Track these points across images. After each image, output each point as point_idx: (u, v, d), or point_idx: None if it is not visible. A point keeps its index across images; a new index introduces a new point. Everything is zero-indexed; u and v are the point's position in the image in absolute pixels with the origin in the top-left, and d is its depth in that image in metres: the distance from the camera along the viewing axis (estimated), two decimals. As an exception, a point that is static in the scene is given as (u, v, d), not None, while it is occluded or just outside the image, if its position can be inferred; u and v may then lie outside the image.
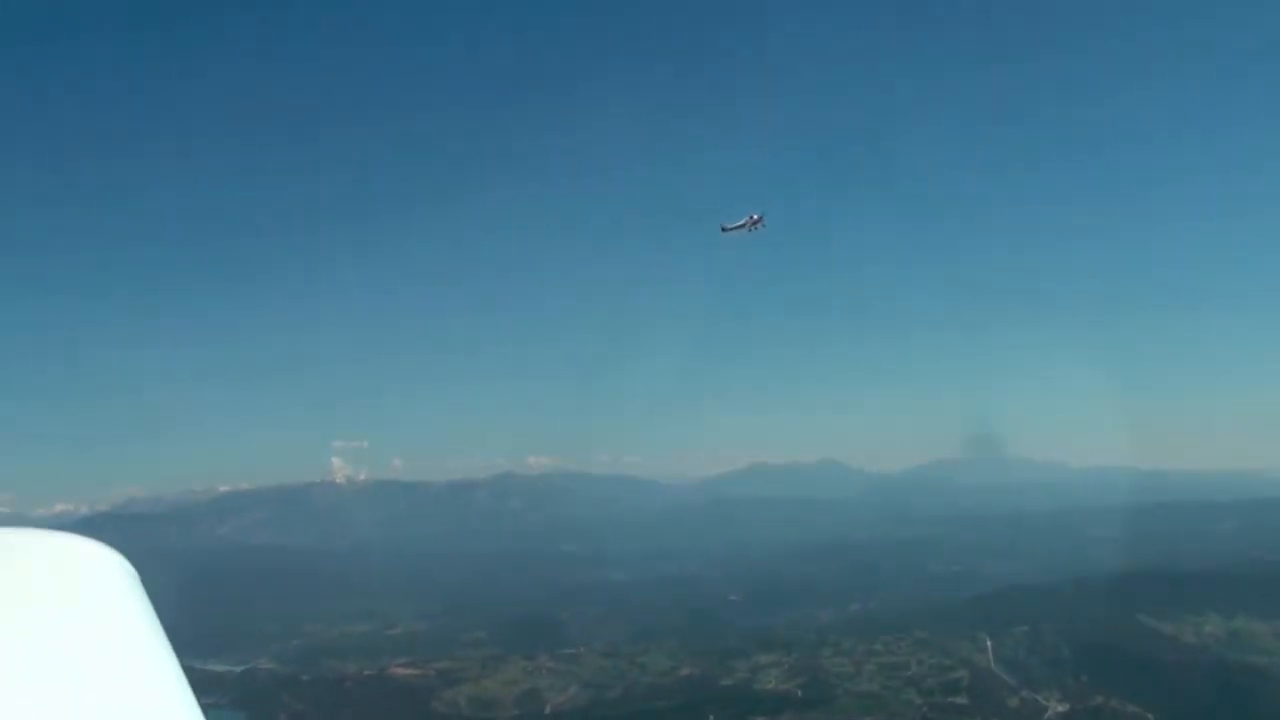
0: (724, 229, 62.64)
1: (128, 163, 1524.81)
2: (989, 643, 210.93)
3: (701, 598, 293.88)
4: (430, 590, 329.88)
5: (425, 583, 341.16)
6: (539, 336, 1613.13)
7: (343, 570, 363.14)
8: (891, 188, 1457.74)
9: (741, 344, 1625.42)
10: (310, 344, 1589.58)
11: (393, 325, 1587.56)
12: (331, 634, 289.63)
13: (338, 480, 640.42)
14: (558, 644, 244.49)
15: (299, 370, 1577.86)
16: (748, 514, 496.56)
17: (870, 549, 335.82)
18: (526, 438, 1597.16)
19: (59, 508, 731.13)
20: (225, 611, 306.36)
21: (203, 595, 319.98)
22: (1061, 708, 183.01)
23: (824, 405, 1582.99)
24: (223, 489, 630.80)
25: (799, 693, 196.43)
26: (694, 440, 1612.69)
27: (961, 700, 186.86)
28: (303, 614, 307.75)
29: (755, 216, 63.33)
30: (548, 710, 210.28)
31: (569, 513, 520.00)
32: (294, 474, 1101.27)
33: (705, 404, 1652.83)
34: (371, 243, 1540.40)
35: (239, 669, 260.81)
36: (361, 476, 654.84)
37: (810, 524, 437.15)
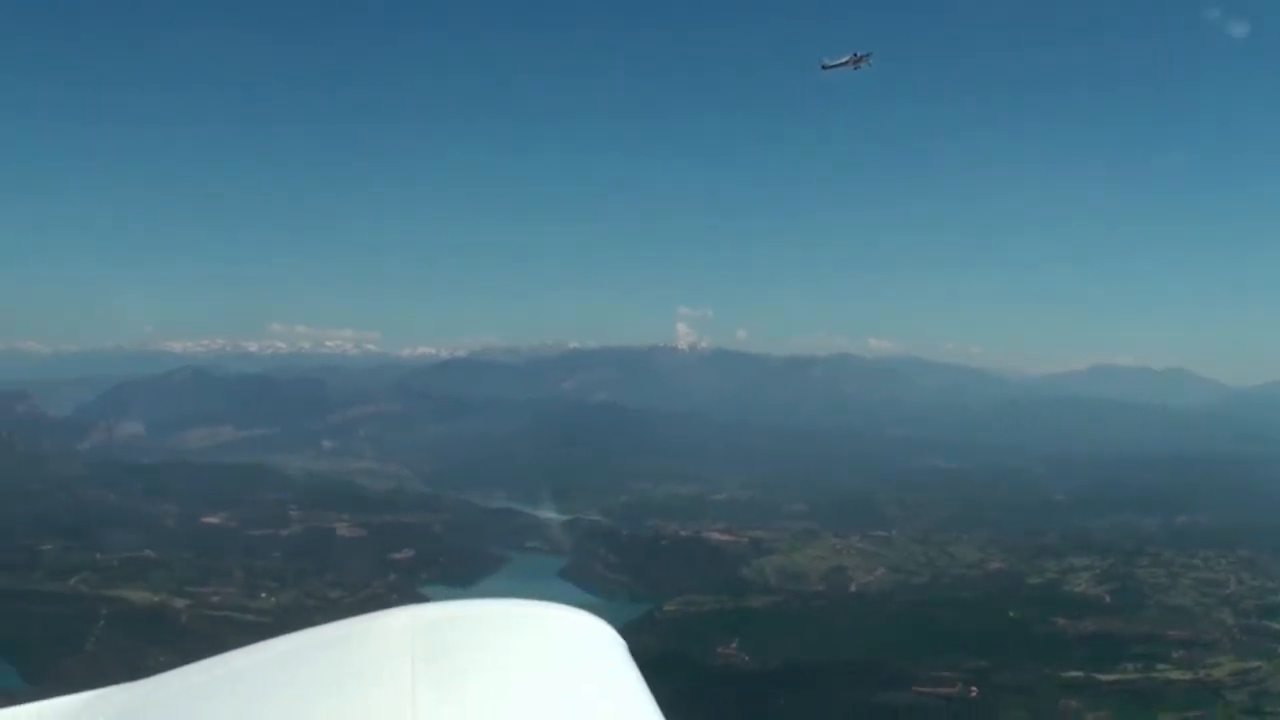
0: (824, 66, 58.10)
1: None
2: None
3: (1025, 493, 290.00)
4: (757, 461, 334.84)
5: (754, 453, 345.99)
6: (900, 225, 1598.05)
7: (675, 434, 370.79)
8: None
9: (1099, 245, 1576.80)
10: (665, 212, 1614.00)
11: (751, 198, 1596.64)
12: (656, 494, 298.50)
13: (680, 346, 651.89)
14: (872, 525, 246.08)
15: (653, 237, 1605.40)
16: (1085, 415, 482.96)
17: (1209, 463, 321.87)
18: (871, 319, 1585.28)
19: (421, 350, 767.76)
20: (559, 462, 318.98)
21: (542, 445, 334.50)
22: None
23: (1179, 309, 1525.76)
24: (572, 345, 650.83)
25: (1107, 598, 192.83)
26: (1038, 336, 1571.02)
27: (1277, 625, 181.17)
28: (632, 472, 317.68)
29: (860, 54, 58.96)
30: (852, 589, 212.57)
31: (904, 398, 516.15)
32: (639, 337, 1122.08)
33: (1051, 300, 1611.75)
34: (751, 114, 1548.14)
35: (565, 518, 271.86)
36: (704, 344, 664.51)
37: (1149, 431, 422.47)
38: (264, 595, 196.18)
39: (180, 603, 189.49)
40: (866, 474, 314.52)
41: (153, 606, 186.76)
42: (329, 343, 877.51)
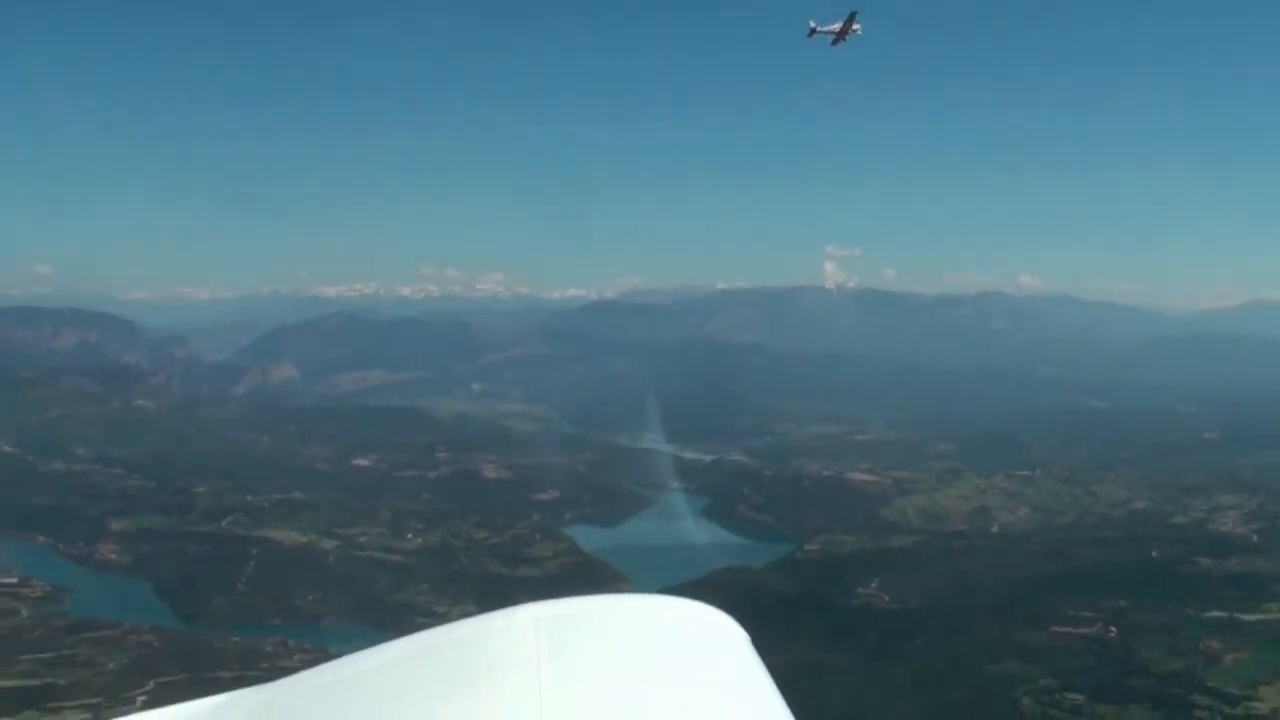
0: (812, 31, 54.01)
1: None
2: None
3: (1173, 432, 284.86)
4: (903, 400, 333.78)
5: (899, 392, 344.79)
6: (1050, 160, 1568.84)
7: (821, 374, 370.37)
8: None
9: (1255, 176, 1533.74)
10: (813, 151, 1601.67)
11: (899, 136, 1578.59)
12: (801, 434, 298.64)
13: (827, 286, 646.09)
14: (1017, 464, 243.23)
15: (802, 175, 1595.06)
16: (1240, 352, 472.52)
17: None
18: (1020, 255, 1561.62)
19: (571, 292, 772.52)
20: (705, 403, 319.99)
21: (687, 386, 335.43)
22: None
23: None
24: (719, 286, 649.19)
25: (1254, 538, 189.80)
26: (1190, 271, 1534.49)
27: None
28: (777, 412, 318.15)
29: (850, 24, 54.26)
30: (994, 529, 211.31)
31: (1052, 335, 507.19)
32: (786, 277, 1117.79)
33: (1204, 235, 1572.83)
34: (903, 47, 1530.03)
35: (709, 458, 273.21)
36: (851, 283, 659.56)
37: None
38: (410, 536, 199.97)
39: (328, 543, 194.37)
40: (1012, 413, 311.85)
41: (301, 547, 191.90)
42: (479, 286, 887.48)
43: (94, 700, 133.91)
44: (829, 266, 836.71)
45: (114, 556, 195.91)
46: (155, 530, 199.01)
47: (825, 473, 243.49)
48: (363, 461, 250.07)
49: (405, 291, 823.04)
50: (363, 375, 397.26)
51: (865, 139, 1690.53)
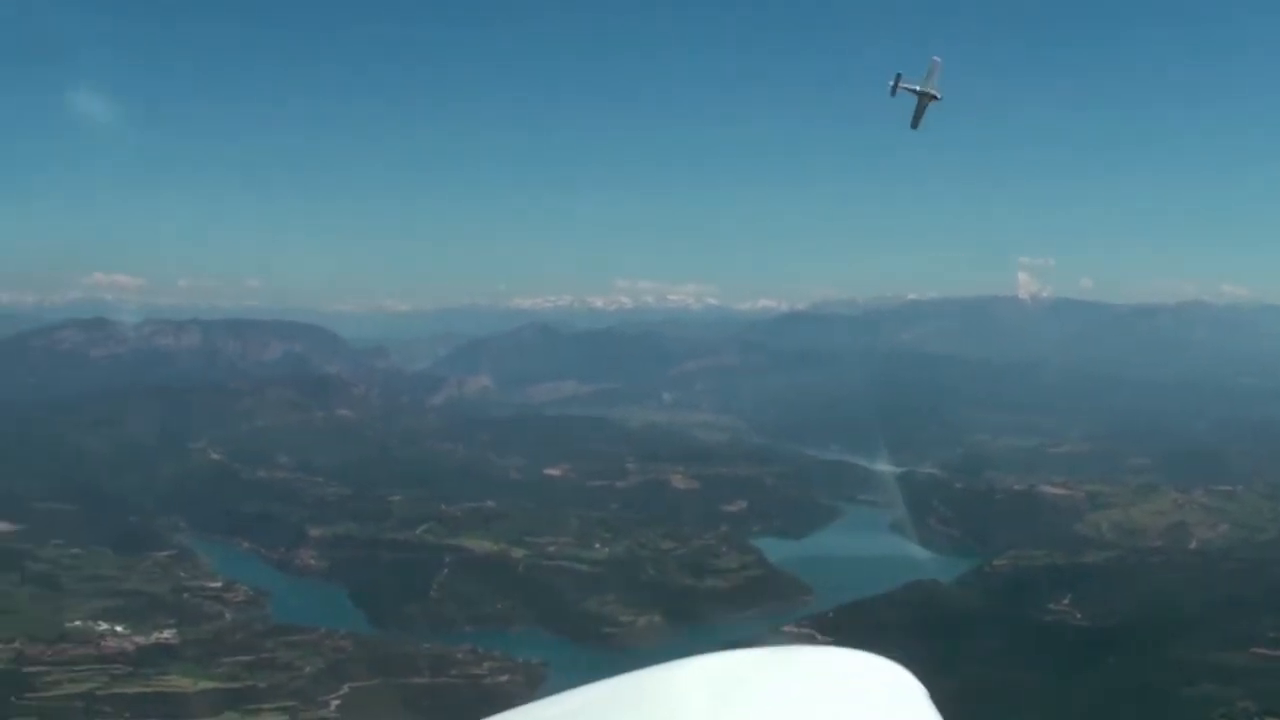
0: (895, 88, 43.03)
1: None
2: None
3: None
4: (1099, 412, 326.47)
5: (1096, 404, 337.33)
6: (1253, 163, 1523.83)
7: (1015, 385, 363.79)
8: None
9: None
10: (1005, 161, 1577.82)
11: (1094, 143, 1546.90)
12: (994, 446, 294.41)
13: (1021, 296, 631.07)
14: (1217, 479, 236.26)
15: (995, 184, 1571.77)
16: None
17: None
18: (1222, 264, 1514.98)
19: (762, 303, 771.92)
20: (896, 415, 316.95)
21: (878, 397, 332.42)
22: None
23: None
24: (910, 296, 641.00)
25: None
26: None
27: None
28: (970, 424, 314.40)
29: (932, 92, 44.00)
30: (1192, 545, 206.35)
31: (1256, 346, 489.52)
32: (979, 287, 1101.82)
33: None
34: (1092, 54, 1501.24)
35: (899, 470, 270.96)
36: (1045, 293, 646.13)
37: None
38: (598, 546, 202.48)
39: (518, 552, 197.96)
40: (1213, 425, 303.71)
41: (492, 555, 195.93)
42: (671, 297, 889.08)
43: (290, 703, 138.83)
44: (1023, 276, 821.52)
45: (313, 562, 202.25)
46: (352, 537, 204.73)
47: (1017, 486, 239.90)
48: (554, 471, 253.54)
49: (598, 303, 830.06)
50: (556, 386, 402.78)
51: (1060, 145, 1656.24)
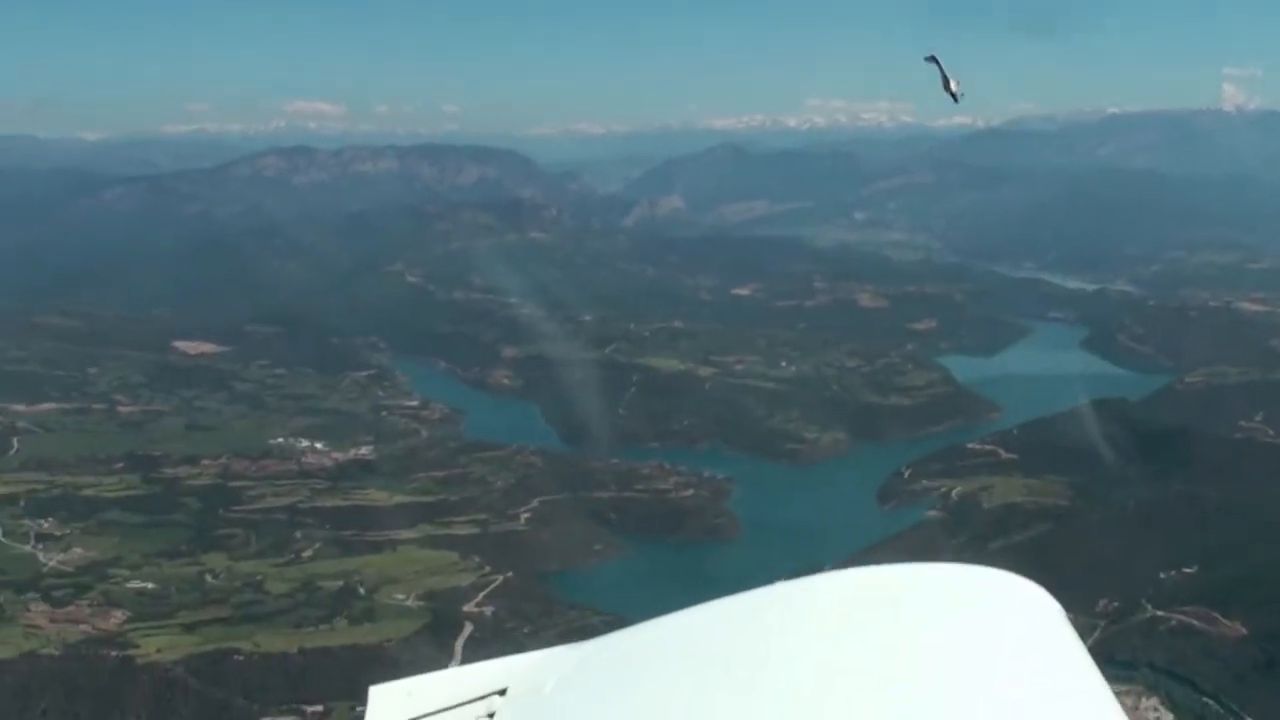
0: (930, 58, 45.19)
1: None
2: None
3: None
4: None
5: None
6: None
7: (1217, 200, 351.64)
8: None
9: None
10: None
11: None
12: (1192, 262, 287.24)
13: (1226, 108, 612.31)
14: None
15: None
16: None
17: None
18: None
19: (957, 119, 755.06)
20: (1091, 231, 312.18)
21: (1073, 214, 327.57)
22: None
23: None
24: (1110, 110, 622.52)
25: None
26: None
27: None
28: (1167, 240, 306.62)
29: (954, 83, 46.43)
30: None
31: None
32: (1181, 100, 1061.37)
33: None
34: None
35: (1092, 288, 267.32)
36: (1251, 105, 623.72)
37: None
38: (784, 364, 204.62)
39: (705, 371, 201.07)
40: None
41: (679, 374, 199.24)
42: (865, 115, 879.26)
43: (481, 516, 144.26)
44: (1228, 88, 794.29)
45: (505, 381, 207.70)
46: (544, 357, 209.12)
47: (1213, 302, 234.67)
48: (742, 291, 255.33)
49: (791, 122, 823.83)
50: (747, 206, 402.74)
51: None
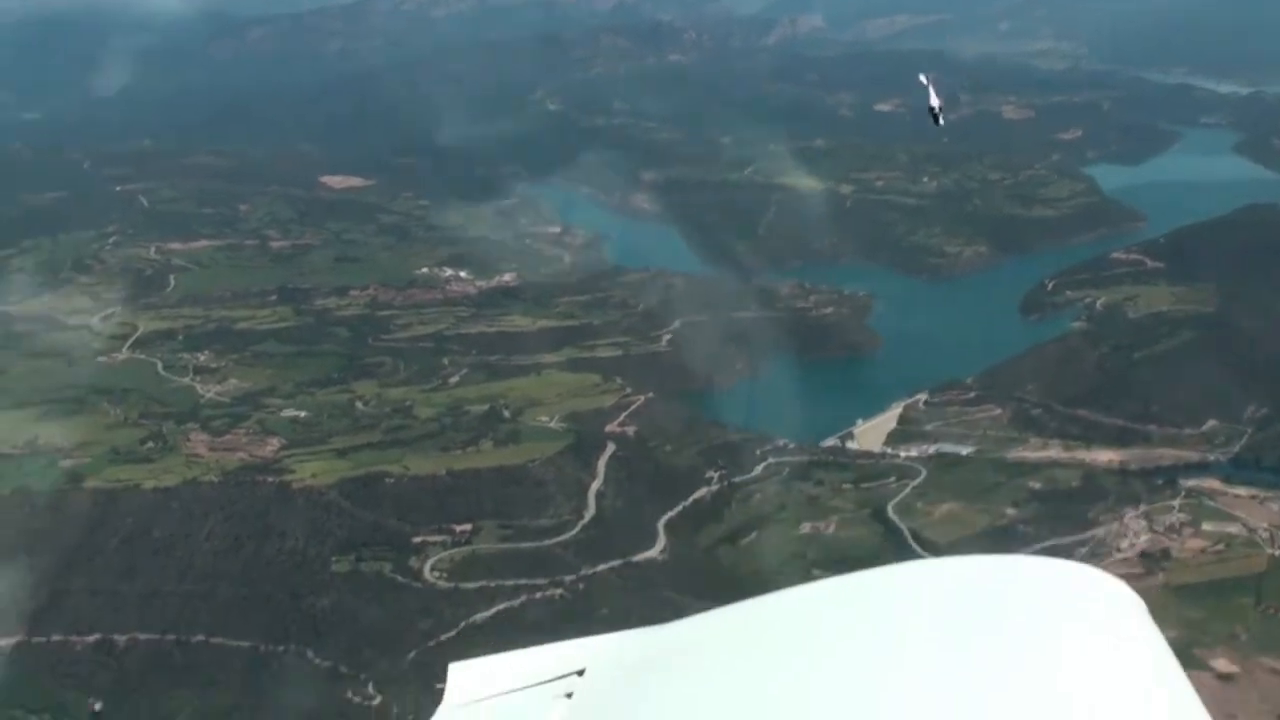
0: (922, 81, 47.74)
1: None
2: None
3: None
4: None
5: None
6: None
7: None
8: None
9: None
10: None
11: None
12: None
13: None
14: None
15: None
16: None
17: None
18: None
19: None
20: (1246, 31, 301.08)
21: (1227, 13, 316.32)
22: None
23: None
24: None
25: None
26: None
27: None
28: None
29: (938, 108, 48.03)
30: None
31: None
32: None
33: None
34: None
35: (1246, 91, 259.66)
36: None
37: None
38: (925, 179, 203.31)
39: (845, 188, 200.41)
40: None
41: (819, 193, 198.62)
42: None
43: (623, 339, 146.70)
44: None
45: (646, 205, 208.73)
46: (684, 179, 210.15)
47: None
48: (884, 107, 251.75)
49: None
50: (889, 20, 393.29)
51: None
